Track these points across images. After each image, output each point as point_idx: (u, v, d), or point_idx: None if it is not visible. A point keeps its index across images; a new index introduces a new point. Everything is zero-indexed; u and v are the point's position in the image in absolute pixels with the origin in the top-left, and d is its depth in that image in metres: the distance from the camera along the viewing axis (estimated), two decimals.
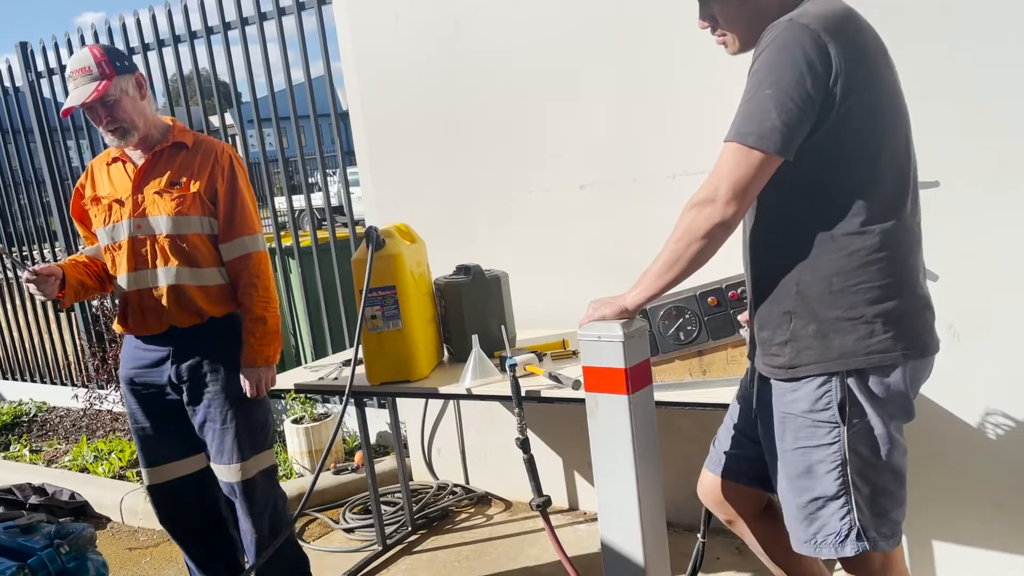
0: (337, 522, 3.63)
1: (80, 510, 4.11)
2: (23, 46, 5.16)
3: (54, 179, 5.35)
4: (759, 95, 1.55)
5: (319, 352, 4.41)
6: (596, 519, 3.39)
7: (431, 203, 3.54)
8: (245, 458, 2.57)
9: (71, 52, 4.87)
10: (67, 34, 4.90)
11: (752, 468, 1.95)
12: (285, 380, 3.36)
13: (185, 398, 2.60)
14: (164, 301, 2.53)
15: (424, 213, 3.49)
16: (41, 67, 5.13)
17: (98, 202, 2.61)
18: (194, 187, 2.52)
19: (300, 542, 3.25)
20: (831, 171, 1.59)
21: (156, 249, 2.54)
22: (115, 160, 2.62)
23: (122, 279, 2.59)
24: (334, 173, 4.73)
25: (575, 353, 2.83)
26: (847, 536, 1.66)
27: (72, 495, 4.15)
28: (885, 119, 1.60)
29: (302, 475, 4.07)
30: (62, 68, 4.99)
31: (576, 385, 2.41)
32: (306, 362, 4.39)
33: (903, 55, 1.77)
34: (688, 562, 2.36)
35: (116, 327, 2.71)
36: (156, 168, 2.56)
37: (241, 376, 2.56)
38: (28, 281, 2.50)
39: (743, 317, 2.14)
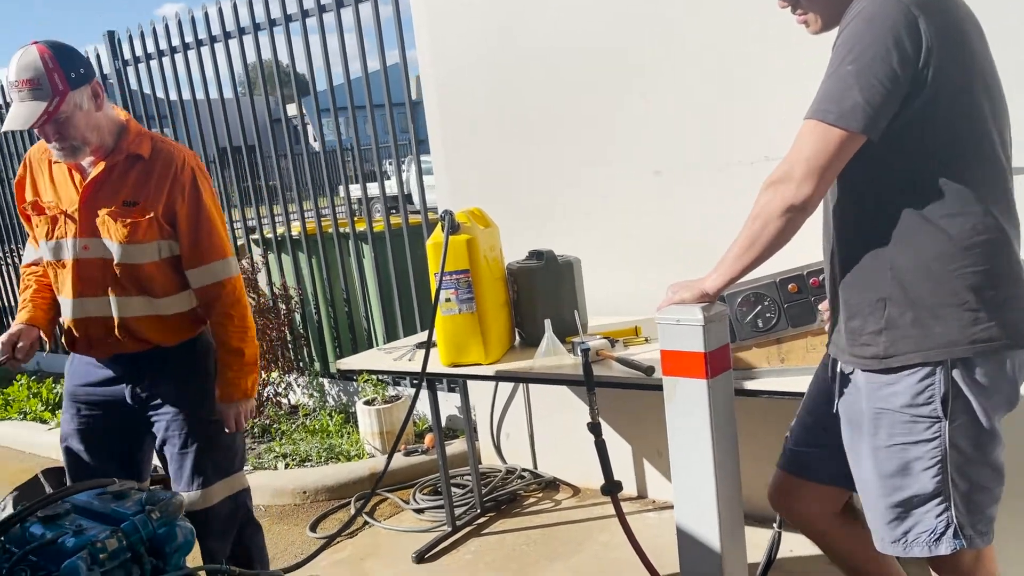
0: (407, 502, 3.70)
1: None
2: (111, 35, 5.36)
3: None
4: (841, 70, 1.49)
5: (391, 335, 4.48)
6: (665, 507, 3.37)
7: (503, 190, 3.55)
8: (208, 483, 2.37)
9: (156, 42, 5.03)
10: (152, 23, 5.06)
11: (832, 465, 1.86)
12: (358, 362, 3.43)
13: (141, 419, 2.40)
14: (112, 332, 2.29)
15: (496, 200, 3.50)
16: (128, 56, 5.31)
17: (40, 211, 2.30)
18: (149, 212, 2.22)
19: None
20: (924, 153, 1.52)
21: (105, 276, 2.26)
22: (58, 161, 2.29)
23: (65, 304, 2.32)
24: (404, 161, 4.78)
25: (648, 340, 2.81)
26: (943, 534, 1.60)
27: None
28: (979, 100, 1.53)
29: (372, 456, 4.15)
30: (148, 56, 5.17)
31: (650, 371, 2.40)
32: (377, 345, 4.47)
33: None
34: (759, 554, 2.32)
35: (63, 341, 2.44)
36: (108, 184, 2.24)
37: (217, 409, 2.36)
38: (7, 362, 2.26)
39: (824, 306, 2.08)
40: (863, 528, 1.76)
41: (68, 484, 2.49)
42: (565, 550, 3.16)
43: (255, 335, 2.40)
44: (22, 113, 2.10)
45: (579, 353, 2.48)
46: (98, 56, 5.46)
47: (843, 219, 1.66)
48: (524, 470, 3.83)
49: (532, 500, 3.64)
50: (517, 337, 3.08)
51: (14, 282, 7.12)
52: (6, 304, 7.43)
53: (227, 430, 2.38)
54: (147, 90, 5.34)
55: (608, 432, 3.48)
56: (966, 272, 1.51)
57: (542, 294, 2.93)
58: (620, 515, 2.32)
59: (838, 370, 1.74)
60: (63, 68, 2.12)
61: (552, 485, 3.74)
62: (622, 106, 3.17)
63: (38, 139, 2.31)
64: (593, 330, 2.98)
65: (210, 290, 2.32)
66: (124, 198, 2.24)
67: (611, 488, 2.34)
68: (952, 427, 1.54)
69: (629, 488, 3.52)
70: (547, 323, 2.75)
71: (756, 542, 2.73)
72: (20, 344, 2.27)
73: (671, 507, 3.33)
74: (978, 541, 1.61)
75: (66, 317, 2.34)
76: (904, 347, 1.55)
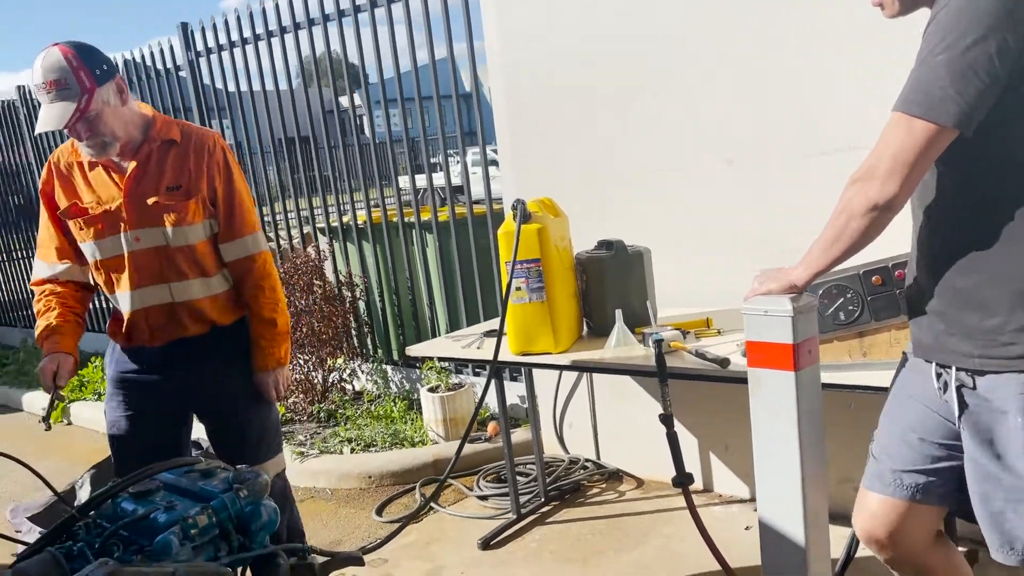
0: (471, 489, 3.72)
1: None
2: (184, 27, 5.48)
3: None
4: (931, 60, 1.40)
5: (453, 324, 4.51)
6: (732, 502, 3.33)
7: (571, 178, 3.54)
8: (263, 461, 2.43)
9: (228, 34, 5.14)
10: (224, 14, 5.17)
11: (952, 483, 1.68)
12: (427, 349, 3.46)
13: (194, 404, 2.46)
14: (175, 317, 2.35)
15: (564, 188, 3.49)
16: (200, 47, 5.43)
17: (81, 213, 2.32)
18: (194, 194, 2.30)
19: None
20: None
21: (161, 263, 2.32)
22: (93, 165, 2.33)
23: (123, 298, 2.35)
24: (462, 152, 4.81)
25: (720, 332, 2.78)
26: None
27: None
28: None
29: (436, 442, 4.19)
30: (219, 48, 5.28)
31: (724, 363, 2.37)
32: (439, 333, 4.50)
33: None
34: (837, 551, 2.28)
35: (110, 336, 2.46)
36: (148, 173, 2.30)
37: (255, 380, 2.43)
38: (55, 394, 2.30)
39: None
40: (957, 554, 1.69)
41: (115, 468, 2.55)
42: (630, 541, 3.15)
43: (286, 307, 2.48)
44: (54, 114, 2.13)
45: (651, 344, 2.46)
46: (171, 47, 5.60)
47: (955, 207, 1.53)
48: (587, 460, 3.82)
49: (596, 490, 3.63)
50: (585, 327, 3.07)
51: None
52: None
53: (268, 399, 2.44)
54: (209, 81, 5.47)
55: (676, 424, 3.45)
56: None
57: (611, 284, 2.91)
58: (691, 508, 2.30)
59: (953, 379, 1.57)
60: (88, 66, 2.14)
61: (615, 476, 3.73)
62: (694, 94, 3.13)
63: (66, 139, 2.36)
64: (662, 321, 2.96)
65: (243, 263, 2.40)
66: (167, 184, 2.30)
67: (683, 480, 2.32)
68: None
69: (696, 481, 3.49)
70: (618, 313, 2.74)
71: (834, 539, 2.68)
72: (59, 374, 2.29)
73: (738, 501, 3.31)
74: None
75: (124, 311, 2.36)
76: None
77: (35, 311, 2.41)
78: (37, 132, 2.19)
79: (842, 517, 2.81)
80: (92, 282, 2.45)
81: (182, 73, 5.64)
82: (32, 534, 3.40)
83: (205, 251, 2.36)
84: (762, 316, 1.64)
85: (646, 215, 3.33)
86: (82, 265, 2.42)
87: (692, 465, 3.47)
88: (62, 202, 2.35)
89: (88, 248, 2.36)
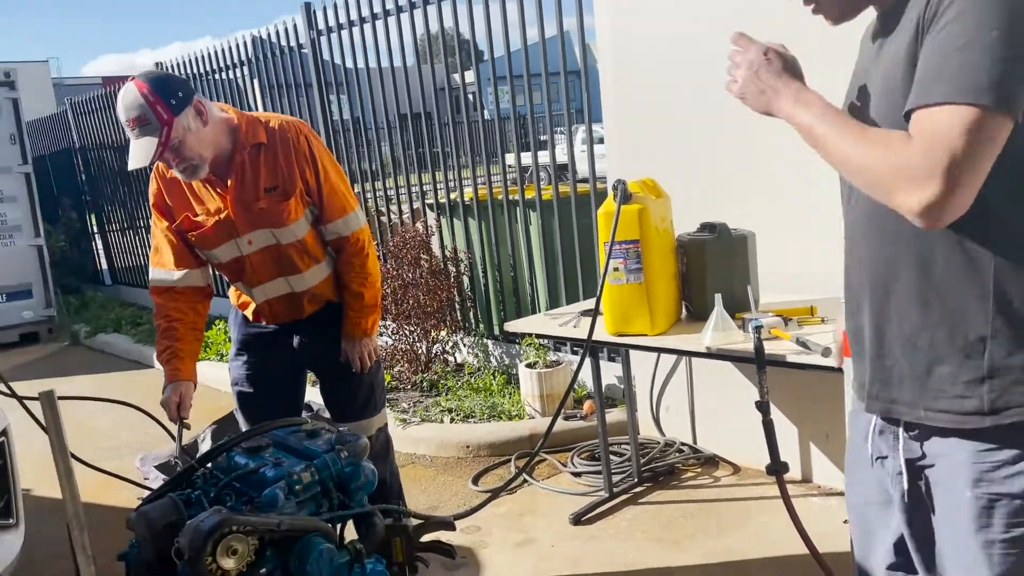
0: (565, 465, 3.78)
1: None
2: (307, 7, 5.70)
3: (327, 130, 5.90)
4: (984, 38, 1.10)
5: (553, 302, 4.55)
6: (831, 494, 3.26)
7: (677, 160, 3.50)
8: (370, 415, 2.63)
9: (348, 13, 5.31)
10: None
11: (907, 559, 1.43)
12: (525, 325, 3.52)
13: (310, 365, 2.65)
14: (295, 304, 2.55)
15: (669, 169, 3.45)
16: (321, 26, 5.63)
17: (196, 226, 2.46)
18: (292, 191, 2.40)
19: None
20: None
21: (275, 261, 2.47)
22: None
23: (249, 292, 2.56)
24: (568, 131, 4.82)
25: (823, 320, 2.71)
26: None
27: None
28: None
29: (533, 417, 4.26)
30: (340, 26, 5.46)
31: (826, 352, 2.31)
32: (540, 310, 4.56)
33: None
34: None
35: (233, 304, 2.68)
36: (246, 182, 2.40)
37: (343, 347, 2.56)
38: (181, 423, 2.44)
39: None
40: None
41: (239, 426, 2.75)
42: (723, 527, 3.13)
43: (377, 281, 2.57)
44: (140, 151, 2.24)
45: (750, 330, 2.43)
46: (295, 26, 5.83)
47: (900, 231, 1.25)
48: (683, 443, 3.81)
49: (690, 474, 3.62)
50: (684, 310, 3.05)
51: None
52: None
53: (353, 368, 2.54)
54: (329, 58, 5.67)
55: (775, 413, 3.36)
56: None
57: (713, 268, 2.88)
58: (785, 496, 2.27)
59: (900, 438, 1.33)
60: (163, 98, 2.22)
61: (711, 461, 3.69)
62: (808, 73, 3.02)
63: None
64: (764, 307, 2.90)
65: (338, 242, 2.53)
66: (264, 186, 2.40)
67: (776, 468, 2.29)
68: None
69: (794, 471, 3.42)
70: (717, 298, 2.71)
71: None
72: (182, 404, 2.45)
73: (837, 494, 3.23)
74: None
75: (252, 303, 2.58)
76: (1018, 398, 1.18)
77: (156, 325, 2.55)
78: (130, 168, 2.28)
79: None
80: (210, 283, 2.62)
81: (304, 50, 5.87)
82: (158, 482, 3.67)
83: (312, 240, 2.50)
84: None
85: (752, 198, 3.25)
86: (200, 267, 2.57)
87: (790, 454, 3.40)
88: (175, 215, 2.48)
89: (206, 255, 2.52)
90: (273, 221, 2.43)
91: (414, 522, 2.04)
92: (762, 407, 2.29)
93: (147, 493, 1.94)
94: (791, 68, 1.39)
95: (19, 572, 2.62)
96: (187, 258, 2.52)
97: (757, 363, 2.32)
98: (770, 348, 2.45)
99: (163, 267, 2.53)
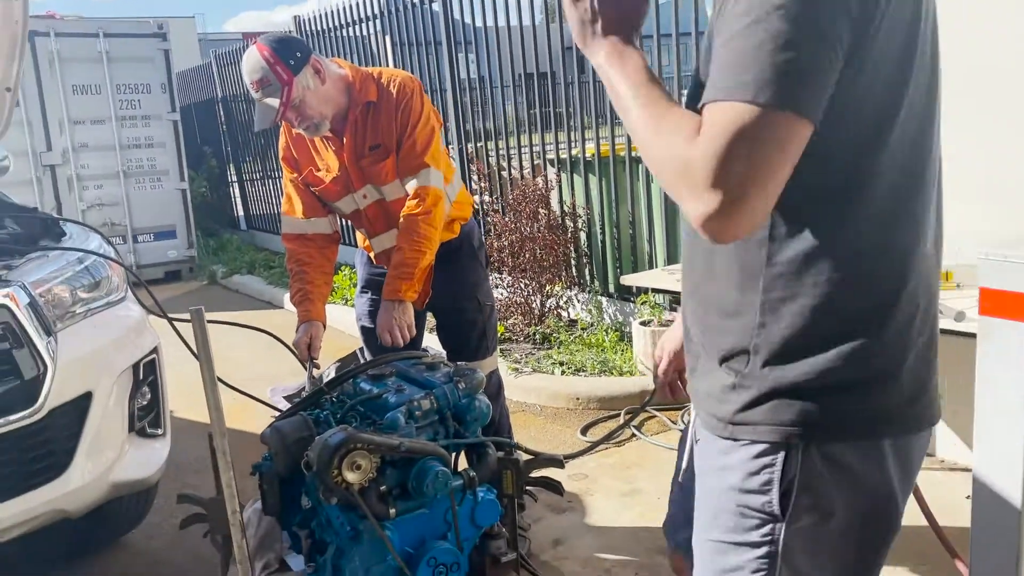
0: (675, 423, 3.77)
1: None
2: None
3: (454, 88, 5.99)
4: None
5: (672, 258, 4.51)
6: (955, 469, 3.12)
7: None
8: (484, 356, 2.71)
9: None
10: None
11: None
12: (642, 279, 3.51)
13: (429, 303, 2.69)
14: None
15: None
16: None
17: (318, 182, 2.58)
18: (391, 150, 2.48)
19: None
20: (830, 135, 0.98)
21: (387, 213, 2.57)
22: None
23: (370, 242, 2.68)
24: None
25: (959, 286, 2.58)
26: None
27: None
28: (897, 87, 1.05)
29: (644, 375, 4.26)
30: None
31: (960, 316, 2.21)
32: (657, 267, 4.52)
33: None
34: None
35: (360, 246, 2.79)
36: (358, 136, 2.50)
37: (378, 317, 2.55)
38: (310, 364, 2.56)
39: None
40: None
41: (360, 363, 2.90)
42: None
43: (426, 249, 2.47)
44: (264, 112, 2.35)
45: None
46: None
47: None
48: None
49: None
50: None
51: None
52: None
53: (378, 338, 2.51)
54: (459, 15, 5.71)
55: None
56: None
57: None
58: None
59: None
60: (283, 59, 2.31)
61: None
62: (948, 34, 2.84)
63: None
64: None
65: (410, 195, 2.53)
66: (370, 144, 2.49)
67: None
68: (789, 532, 1.10)
69: None
70: None
71: None
72: (312, 345, 2.57)
73: (961, 469, 3.09)
74: None
75: (373, 251, 2.70)
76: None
77: (287, 269, 2.70)
78: (256, 130, 2.43)
79: None
80: (337, 230, 2.74)
81: (435, 6, 5.95)
82: None
83: None
84: (1002, 262, 1.52)
85: None
86: (328, 216, 2.70)
87: None
88: (300, 169, 2.61)
89: (331, 206, 2.65)
90: (375, 179, 2.53)
91: (524, 457, 2.11)
92: None
93: (278, 414, 2.09)
94: (629, 8, 1.09)
95: (165, 478, 2.88)
96: (315, 207, 2.64)
97: None
98: None
99: (294, 215, 2.66)
